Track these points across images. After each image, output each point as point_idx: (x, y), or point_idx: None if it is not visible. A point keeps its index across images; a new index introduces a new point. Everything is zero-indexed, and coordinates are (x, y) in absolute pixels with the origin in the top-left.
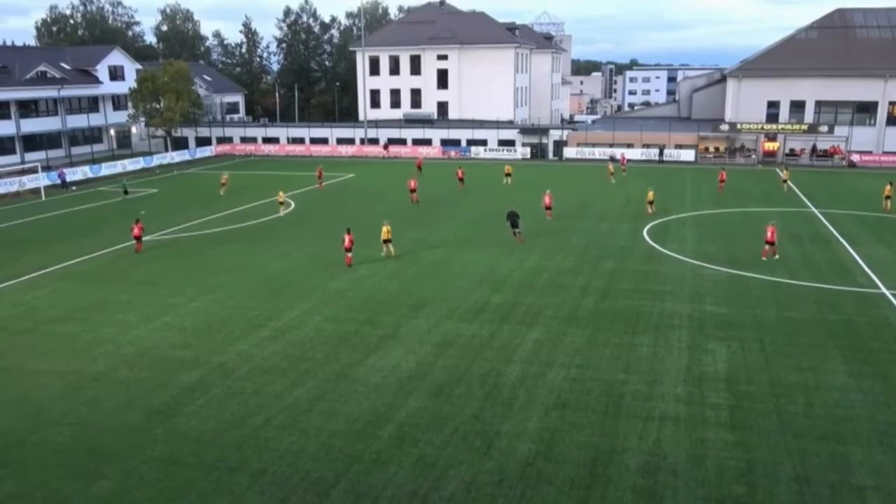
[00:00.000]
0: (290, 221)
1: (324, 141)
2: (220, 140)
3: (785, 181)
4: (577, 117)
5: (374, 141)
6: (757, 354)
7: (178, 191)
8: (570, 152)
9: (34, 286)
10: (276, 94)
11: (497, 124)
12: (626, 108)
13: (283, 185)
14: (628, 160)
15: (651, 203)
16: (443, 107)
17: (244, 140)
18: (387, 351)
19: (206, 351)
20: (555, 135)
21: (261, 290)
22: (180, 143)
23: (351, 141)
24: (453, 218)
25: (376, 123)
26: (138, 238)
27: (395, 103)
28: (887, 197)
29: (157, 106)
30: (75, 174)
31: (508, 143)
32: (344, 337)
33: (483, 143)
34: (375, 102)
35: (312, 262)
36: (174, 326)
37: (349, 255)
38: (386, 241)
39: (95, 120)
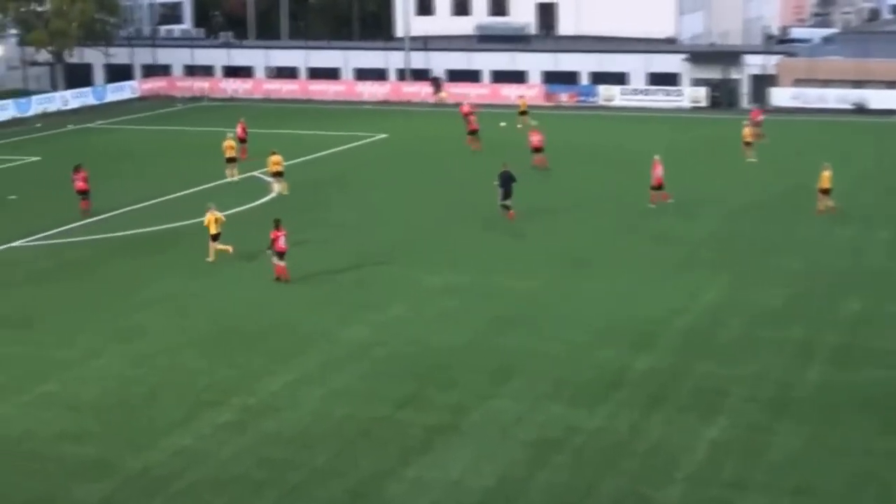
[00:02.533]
0: (270, 217)
1: (332, 74)
2: (150, 70)
3: None
4: (795, 32)
5: (423, 74)
6: None
7: (76, 160)
8: (780, 96)
9: None
10: None
11: (647, 45)
12: (889, 16)
13: (259, 153)
14: (763, 117)
15: (826, 192)
16: (547, 13)
17: (191, 71)
18: (442, 453)
19: (119, 445)
20: (753, 64)
21: (217, 339)
22: (79, 76)
23: (381, 74)
24: (559, 213)
25: (426, 43)
26: (84, 192)
27: (461, 8)
28: None
29: (39, 9)
30: None
31: (666, 80)
32: (366, 427)
33: (620, 79)
34: (426, 6)
35: (311, 290)
36: (62, 401)
37: (280, 263)
38: (214, 237)
39: None
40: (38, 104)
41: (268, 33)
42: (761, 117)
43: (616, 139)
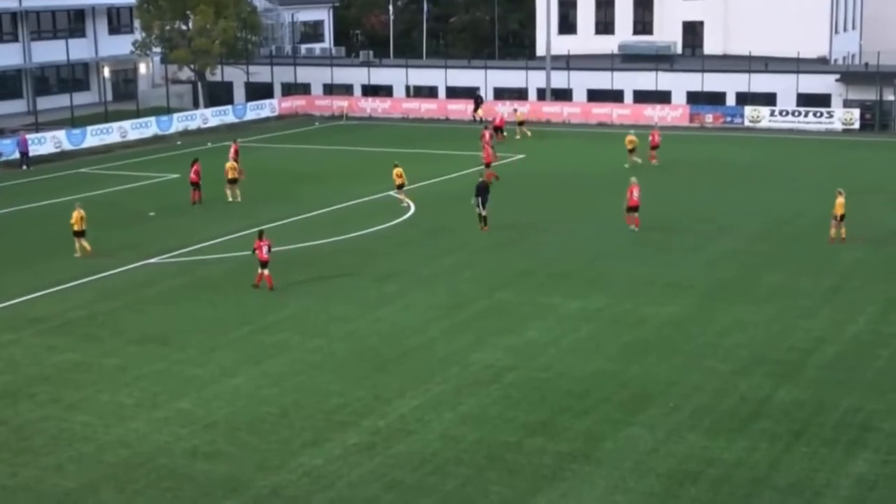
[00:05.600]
0: (407, 238)
1: (472, 93)
2: (289, 89)
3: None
4: None
5: (563, 94)
6: None
7: (215, 177)
8: None
9: None
10: (389, 9)
11: (796, 65)
12: None
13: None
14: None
15: (840, 219)
16: (693, 32)
17: (330, 91)
18: (574, 483)
19: (250, 464)
20: None
21: (350, 360)
22: (220, 94)
23: (521, 94)
24: (703, 241)
25: (567, 61)
26: (195, 184)
27: (605, 26)
28: None
29: (183, 27)
30: (42, 143)
31: (817, 101)
32: (495, 453)
33: (768, 99)
34: (568, 25)
35: (445, 312)
36: (196, 418)
37: (264, 272)
38: (78, 234)
39: (79, 51)
40: (178, 122)
41: (408, 52)
42: (659, 140)
43: (762, 161)
